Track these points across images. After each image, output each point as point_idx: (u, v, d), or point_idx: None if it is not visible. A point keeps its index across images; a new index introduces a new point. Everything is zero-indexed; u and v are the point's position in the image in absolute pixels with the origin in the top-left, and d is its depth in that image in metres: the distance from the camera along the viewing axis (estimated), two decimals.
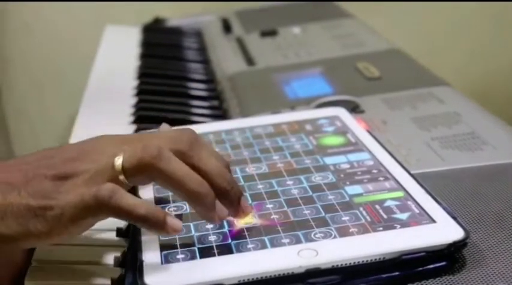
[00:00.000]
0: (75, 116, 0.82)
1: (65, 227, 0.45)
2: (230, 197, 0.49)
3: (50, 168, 0.47)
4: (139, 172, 0.47)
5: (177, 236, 0.49)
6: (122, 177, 0.46)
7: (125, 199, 0.45)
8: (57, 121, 1.53)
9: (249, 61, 0.99)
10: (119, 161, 0.46)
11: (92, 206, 0.45)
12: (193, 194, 0.47)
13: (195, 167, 0.47)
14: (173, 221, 0.46)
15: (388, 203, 0.52)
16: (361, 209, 0.51)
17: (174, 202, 0.54)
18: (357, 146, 0.62)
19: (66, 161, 0.48)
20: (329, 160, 0.59)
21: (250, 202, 0.53)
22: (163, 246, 0.48)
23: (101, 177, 0.46)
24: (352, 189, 0.54)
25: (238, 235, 0.49)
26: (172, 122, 0.74)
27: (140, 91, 0.91)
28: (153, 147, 0.46)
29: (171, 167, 0.46)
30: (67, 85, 1.59)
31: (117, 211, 0.45)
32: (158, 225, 0.46)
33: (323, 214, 0.51)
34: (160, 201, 0.55)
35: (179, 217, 0.52)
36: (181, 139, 0.49)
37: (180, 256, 0.47)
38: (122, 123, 0.80)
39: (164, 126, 0.57)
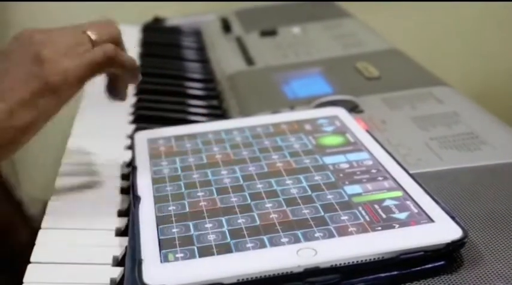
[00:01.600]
0: (74, 115, 0.82)
1: (70, 92, 0.56)
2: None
3: (20, 63, 0.55)
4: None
5: (176, 235, 0.49)
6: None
7: (125, 53, 0.60)
8: (56, 120, 1.53)
9: (249, 61, 0.99)
10: (93, 36, 0.58)
11: (102, 63, 0.57)
12: (136, 69, 0.62)
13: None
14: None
15: (387, 202, 0.52)
16: (360, 208, 0.51)
17: (173, 201, 0.54)
18: (356, 146, 0.62)
19: (24, 48, 0.56)
20: (328, 160, 0.60)
21: (249, 201, 0.54)
22: (163, 245, 0.48)
23: (79, 47, 0.57)
24: (351, 189, 0.54)
25: None
26: (172, 121, 0.74)
27: (140, 91, 0.91)
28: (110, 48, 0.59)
29: (126, 58, 0.60)
30: None
31: (123, 63, 0.59)
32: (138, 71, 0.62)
33: (322, 214, 0.51)
34: (159, 200, 0.55)
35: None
36: (114, 30, 0.61)
37: (179, 255, 0.47)
38: (121, 123, 0.81)
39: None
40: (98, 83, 0.96)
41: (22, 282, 0.49)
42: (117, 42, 0.60)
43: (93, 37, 0.58)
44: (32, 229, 0.55)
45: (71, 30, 0.59)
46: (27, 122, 0.54)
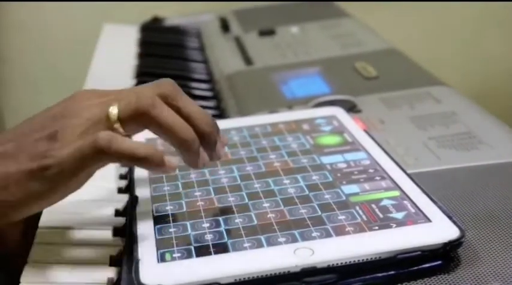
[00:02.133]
0: None
1: (67, 182, 0.47)
2: (209, 140, 0.52)
3: (40, 130, 0.48)
4: (135, 120, 0.49)
5: (173, 235, 0.49)
6: (117, 125, 0.48)
7: (125, 142, 0.47)
8: None
9: (247, 60, 0.99)
10: (114, 110, 0.48)
11: (92, 155, 0.46)
12: (182, 141, 0.50)
13: (179, 110, 0.50)
14: (170, 160, 0.49)
15: (384, 202, 0.52)
16: (357, 208, 0.51)
17: (170, 201, 0.54)
18: (353, 145, 0.62)
19: (54, 119, 0.49)
20: (326, 160, 0.60)
21: (247, 200, 0.54)
22: (160, 245, 0.48)
23: (95, 128, 0.48)
24: (349, 188, 0.54)
25: None
26: None
27: None
28: (147, 96, 0.49)
29: (164, 115, 0.49)
30: (64, 84, 1.59)
31: (120, 155, 0.47)
32: (158, 164, 0.48)
33: (319, 213, 0.51)
34: (156, 200, 0.55)
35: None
36: (165, 85, 0.51)
37: (176, 255, 0.47)
38: None
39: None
40: (98, 81, 0.96)
41: (19, 282, 0.49)
42: (149, 117, 0.49)
43: (113, 112, 0.48)
44: (29, 227, 0.55)
45: (100, 101, 0.49)
46: (15, 200, 0.47)
